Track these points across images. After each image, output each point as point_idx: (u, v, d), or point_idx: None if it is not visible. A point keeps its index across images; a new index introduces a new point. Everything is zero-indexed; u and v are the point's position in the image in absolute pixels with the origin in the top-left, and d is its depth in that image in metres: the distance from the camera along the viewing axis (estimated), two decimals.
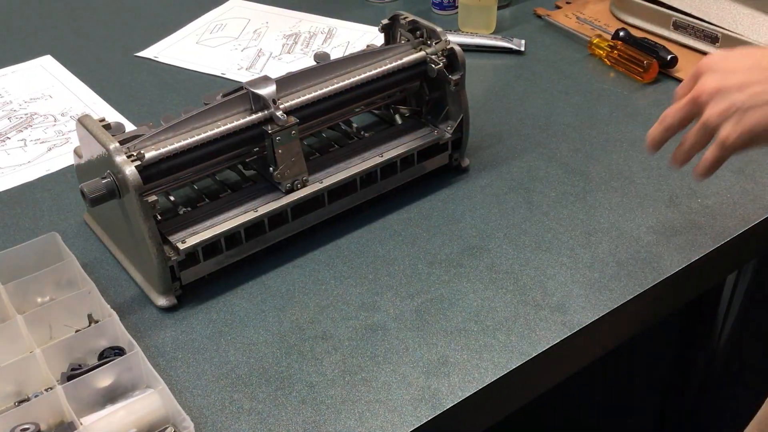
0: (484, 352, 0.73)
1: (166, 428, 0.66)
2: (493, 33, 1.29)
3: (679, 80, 1.10)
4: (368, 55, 0.91)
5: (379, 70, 0.90)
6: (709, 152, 0.68)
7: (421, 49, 0.92)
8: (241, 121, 0.81)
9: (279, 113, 0.81)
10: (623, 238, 0.86)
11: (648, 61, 1.13)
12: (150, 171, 0.76)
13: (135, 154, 0.75)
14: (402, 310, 0.78)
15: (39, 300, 0.79)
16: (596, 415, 0.74)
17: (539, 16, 1.34)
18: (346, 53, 1.21)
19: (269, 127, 0.81)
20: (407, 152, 0.91)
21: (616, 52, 1.18)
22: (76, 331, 0.75)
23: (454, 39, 0.97)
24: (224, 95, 0.83)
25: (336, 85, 0.87)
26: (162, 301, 0.79)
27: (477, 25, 1.29)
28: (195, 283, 0.81)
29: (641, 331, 0.85)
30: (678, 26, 1.22)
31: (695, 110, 0.68)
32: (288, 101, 0.84)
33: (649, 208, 0.90)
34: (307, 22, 1.38)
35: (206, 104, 0.81)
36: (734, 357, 1.11)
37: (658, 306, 0.84)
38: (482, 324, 0.76)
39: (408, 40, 0.94)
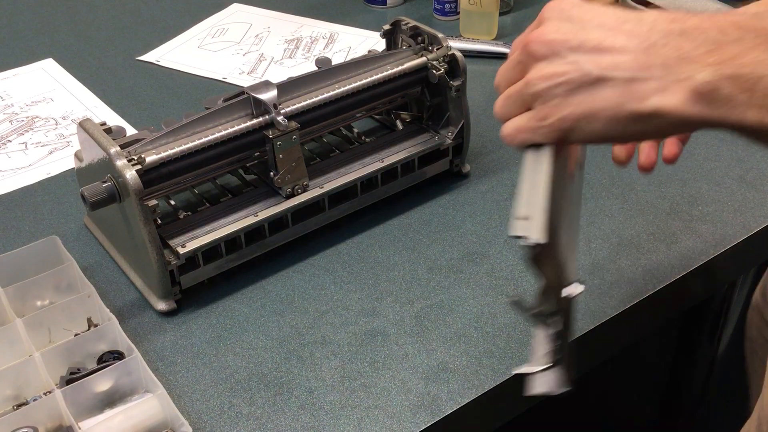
0: (483, 358, 0.73)
1: None
2: (495, 39, 1.29)
3: None
4: (369, 60, 0.91)
5: (380, 75, 0.90)
6: (518, 120, 0.50)
7: (422, 55, 0.92)
8: (242, 125, 0.81)
9: (280, 118, 0.81)
10: (623, 245, 0.86)
11: None
12: (150, 175, 0.76)
13: (136, 158, 0.75)
14: (402, 315, 0.78)
15: (38, 303, 0.79)
16: (595, 423, 0.74)
17: None
18: (348, 58, 1.21)
19: (270, 132, 0.81)
20: (408, 158, 0.91)
21: None
22: (76, 335, 0.75)
23: (456, 45, 0.97)
24: (225, 100, 0.83)
25: (337, 91, 0.87)
26: (161, 306, 0.79)
27: (478, 31, 1.30)
28: (195, 287, 0.81)
29: (641, 338, 0.84)
30: None
31: (525, 65, 0.49)
32: (289, 106, 0.84)
33: (649, 215, 0.90)
34: (309, 27, 1.38)
35: (207, 108, 0.82)
36: (733, 364, 1.11)
37: (657, 313, 0.83)
38: (482, 330, 0.76)
39: (409, 46, 0.94)
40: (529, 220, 0.51)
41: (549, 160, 0.51)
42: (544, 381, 0.54)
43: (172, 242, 0.79)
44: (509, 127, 0.51)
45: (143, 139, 0.78)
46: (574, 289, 0.54)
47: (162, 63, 1.28)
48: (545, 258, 0.52)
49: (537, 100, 0.48)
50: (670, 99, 0.43)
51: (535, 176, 0.51)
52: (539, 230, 0.49)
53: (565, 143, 0.50)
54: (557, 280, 0.54)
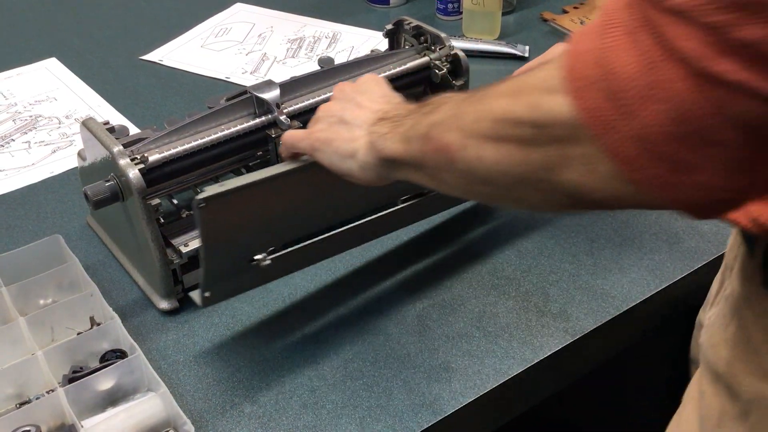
0: (485, 358, 0.73)
1: (167, 431, 0.66)
2: (498, 39, 1.29)
3: None
4: (372, 59, 0.91)
5: (383, 74, 0.90)
6: (298, 132, 0.70)
7: (425, 55, 0.92)
8: (245, 125, 0.81)
9: (283, 117, 0.81)
10: (626, 245, 0.85)
11: None
12: (153, 174, 0.76)
13: (138, 157, 0.75)
14: (404, 315, 0.78)
15: (41, 302, 0.79)
16: (597, 422, 0.74)
17: (545, 20, 1.34)
18: (351, 58, 1.21)
19: (273, 131, 0.81)
20: None
21: None
22: (78, 334, 0.75)
23: (458, 44, 0.97)
24: (228, 99, 0.83)
25: None
26: (164, 305, 0.79)
27: (481, 31, 1.29)
28: (197, 286, 0.81)
29: (643, 338, 0.84)
30: None
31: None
32: (292, 105, 0.84)
33: (652, 215, 0.90)
34: (312, 27, 1.38)
35: (210, 108, 0.82)
36: None
37: (661, 313, 0.83)
38: (484, 330, 0.76)
39: (412, 45, 0.94)
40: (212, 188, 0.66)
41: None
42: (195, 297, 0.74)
43: (175, 241, 0.79)
44: (288, 134, 0.70)
45: (146, 138, 0.78)
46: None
47: (165, 62, 1.28)
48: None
49: (314, 123, 0.68)
50: (361, 144, 0.62)
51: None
52: (205, 195, 0.65)
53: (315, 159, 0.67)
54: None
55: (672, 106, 0.37)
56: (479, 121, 0.49)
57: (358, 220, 0.80)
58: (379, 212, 0.81)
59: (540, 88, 0.44)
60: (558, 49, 0.72)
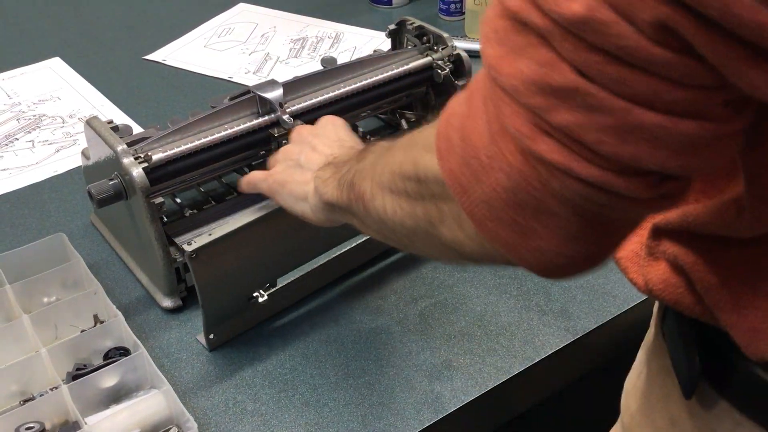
0: (487, 356, 0.73)
1: (170, 429, 0.66)
2: None
3: None
4: (375, 60, 0.92)
5: (385, 75, 0.90)
6: (258, 172, 0.72)
7: (427, 55, 0.93)
8: (248, 124, 0.81)
9: (286, 117, 0.81)
10: None
11: None
12: (157, 173, 0.76)
13: (142, 156, 0.75)
14: (406, 313, 0.78)
15: (45, 300, 0.79)
16: (599, 422, 0.74)
17: None
18: (353, 58, 1.22)
19: (276, 131, 0.82)
20: None
21: None
22: (82, 331, 0.75)
23: (461, 45, 0.97)
24: (231, 98, 0.84)
25: (342, 90, 0.87)
26: (167, 303, 0.80)
27: None
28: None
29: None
30: None
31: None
32: (295, 105, 0.84)
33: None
34: (315, 27, 1.39)
35: (213, 107, 0.82)
36: None
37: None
38: (486, 329, 0.76)
39: (415, 46, 0.95)
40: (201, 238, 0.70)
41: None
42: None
43: (178, 240, 0.79)
44: (250, 175, 0.73)
45: (149, 137, 0.78)
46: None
47: (168, 62, 1.28)
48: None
49: (274, 165, 0.70)
50: (311, 188, 0.64)
51: None
52: (195, 246, 0.69)
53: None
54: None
55: (506, 176, 0.39)
56: (383, 173, 0.52)
57: (350, 245, 0.82)
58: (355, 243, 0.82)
59: (423, 144, 0.47)
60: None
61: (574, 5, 0.33)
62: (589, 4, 0.32)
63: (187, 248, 0.68)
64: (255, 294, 0.76)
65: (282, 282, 0.78)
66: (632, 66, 0.33)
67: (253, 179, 0.72)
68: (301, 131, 0.71)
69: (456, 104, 0.44)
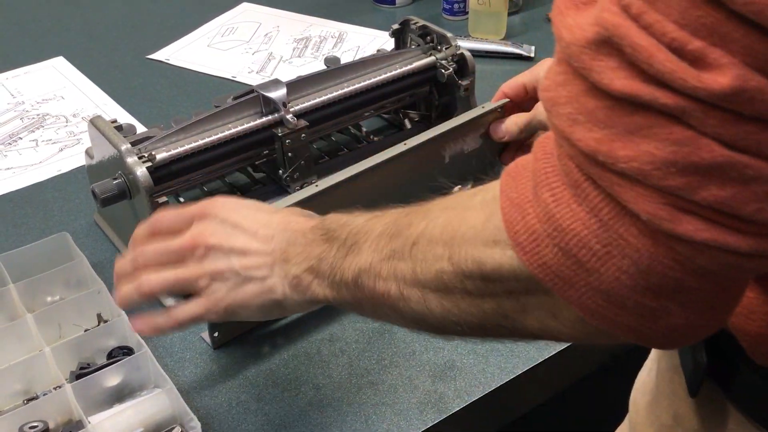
0: (490, 356, 0.73)
1: (174, 428, 0.66)
2: (503, 39, 1.29)
3: None
4: (378, 59, 0.92)
5: (388, 74, 0.90)
6: (193, 306, 0.60)
7: (431, 54, 0.93)
8: (251, 123, 0.81)
9: (289, 116, 0.81)
10: None
11: None
12: (160, 172, 0.77)
13: (146, 155, 0.76)
14: None
15: (49, 299, 0.79)
16: (603, 422, 0.74)
17: (551, 20, 1.34)
18: (357, 57, 1.22)
19: (279, 130, 0.82)
20: None
21: None
22: (86, 331, 0.75)
23: (464, 44, 0.97)
24: (235, 98, 0.84)
25: (346, 89, 0.87)
26: (170, 302, 0.79)
27: (487, 31, 1.30)
28: None
29: None
30: None
31: (185, 257, 0.60)
32: (298, 104, 0.84)
33: None
34: (318, 27, 1.39)
35: (217, 107, 0.82)
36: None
37: None
38: None
39: (418, 45, 0.95)
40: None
41: None
42: None
43: None
44: (182, 313, 0.61)
45: (153, 136, 0.78)
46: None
47: (172, 61, 1.28)
48: None
49: (203, 291, 0.59)
50: (282, 290, 0.56)
51: None
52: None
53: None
54: None
55: (632, 262, 0.36)
56: (417, 273, 0.47)
57: None
58: None
59: (478, 239, 0.43)
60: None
61: (720, 78, 0.31)
62: (739, 74, 0.31)
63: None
64: None
65: None
66: None
67: (189, 314, 0.61)
68: (207, 241, 0.59)
69: (517, 190, 0.40)
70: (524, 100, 0.86)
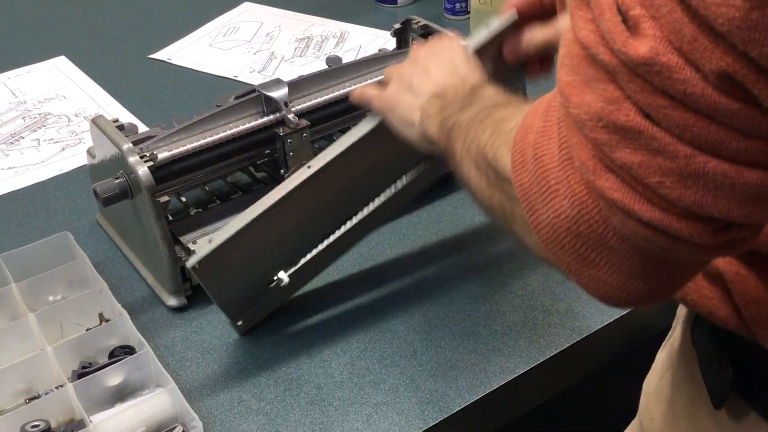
0: (492, 356, 0.73)
1: (175, 427, 0.66)
2: None
3: None
4: (380, 58, 0.92)
5: None
6: (372, 89, 0.70)
7: None
8: (253, 123, 0.81)
9: (291, 116, 0.81)
10: None
11: None
12: (162, 172, 0.77)
13: (148, 154, 0.76)
14: (410, 312, 0.78)
15: (51, 298, 0.80)
16: (605, 422, 0.74)
17: None
18: (358, 57, 1.22)
19: (281, 130, 0.82)
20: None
21: None
22: (87, 330, 0.75)
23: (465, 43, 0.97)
24: (236, 97, 0.84)
25: (347, 89, 0.87)
26: (172, 301, 0.80)
27: None
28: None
29: (651, 336, 0.84)
30: None
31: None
32: (300, 104, 0.84)
33: None
34: (320, 26, 1.39)
35: (218, 106, 0.82)
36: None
37: (668, 311, 0.83)
38: (490, 328, 0.76)
39: None
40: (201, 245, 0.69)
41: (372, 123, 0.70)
42: None
43: (183, 238, 0.79)
44: (362, 89, 0.71)
45: (155, 136, 0.78)
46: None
47: (173, 61, 1.28)
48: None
49: (388, 82, 0.68)
50: (418, 114, 0.62)
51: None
52: (197, 259, 0.67)
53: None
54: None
55: (570, 204, 0.39)
56: (472, 144, 0.51)
57: (364, 207, 0.79)
58: (381, 198, 0.80)
59: (505, 138, 0.46)
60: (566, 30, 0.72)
61: (640, 47, 0.32)
62: (655, 47, 0.32)
63: (188, 263, 0.67)
64: (275, 278, 0.75)
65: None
66: (697, 112, 0.33)
67: (366, 95, 0.70)
68: (418, 52, 0.68)
69: (534, 116, 0.43)
70: (539, 13, 0.72)
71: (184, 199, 0.87)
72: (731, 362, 0.50)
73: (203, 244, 0.68)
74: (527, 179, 0.41)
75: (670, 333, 0.63)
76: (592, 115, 0.36)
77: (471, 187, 0.52)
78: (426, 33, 0.94)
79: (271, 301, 0.77)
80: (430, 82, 0.64)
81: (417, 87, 0.64)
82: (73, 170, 1.02)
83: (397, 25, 0.96)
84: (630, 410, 0.69)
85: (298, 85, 0.85)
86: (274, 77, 0.92)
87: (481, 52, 0.72)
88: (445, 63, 0.66)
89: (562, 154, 0.39)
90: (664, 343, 0.63)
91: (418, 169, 0.80)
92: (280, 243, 0.74)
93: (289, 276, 0.76)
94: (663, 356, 0.62)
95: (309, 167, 0.69)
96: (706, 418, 0.54)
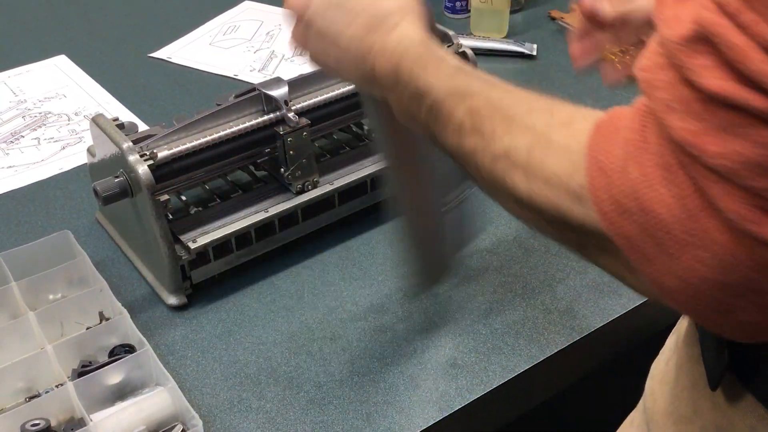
0: (492, 355, 0.73)
1: (175, 426, 0.66)
2: (505, 37, 1.29)
3: None
4: None
5: None
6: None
7: None
8: (253, 122, 0.81)
9: (291, 115, 0.81)
10: None
11: None
12: (162, 170, 0.77)
13: (148, 153, 0.76)
14: (411, 312, 0.78)
15: (51, 297, 0.80)
16: (605, 421, 0.74)
17: (553, 19, 1.34)
18: None
19: (281, 129, 0.82)
20: None
21: (628, 56, 1.18)
22: (87, 329, 0.75)
23: (466, 42, 0.97)
24: (236, 96, 0.84)
25: (347, 87, 0.87)
26: (172, 300, 0.80)
27: (489, 29, 1.30)
28: (205, 282, 0.81)
29: (652, 335, 0.84)
30: None
31: None
32: (300, 103, 0.84)
33: None
34: None
35: (218, 105, 0.82)
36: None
37: (668, 311, 0.83)
38: (491, 327, 0.76)
39: None
40: None
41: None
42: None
43: (183, 237, 0.79)
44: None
45: (155, 134, 0.78)
46: None
47: (174, 60, 1.28)
48: None
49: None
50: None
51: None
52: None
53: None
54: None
55: (712, 255, 0.36)
56: (498, 170, 0.46)
57: None
58: None
59: (562, 189, 0.42)
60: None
61: None
62: None
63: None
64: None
65: None
66: None
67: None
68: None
69: (609, 156, 0.39)
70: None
71: (184, 197, 0.87)
72: (728, 346, 0.50)
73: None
74: (634, 231, 0.38)
75: (680, 319, 0.63)
76: (745, 163, 0.33)
77: (471, 167, 0.47)
78: None
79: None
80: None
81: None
82: (73, 169, 1.02)
83: None
84: (630, 409, 0.69)
85: (298, 84, 0.85)
86: (274, 76, 0.92)
87: None
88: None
89: (688, 204, 0.36)
90: (674, 329, 0.64)
91: None
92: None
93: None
94: (671, 341, 0.63)
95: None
96: (704, 400, 0.54)
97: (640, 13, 0.67)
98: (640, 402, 0.66)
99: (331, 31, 0.56)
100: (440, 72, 0.51)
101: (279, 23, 1.40)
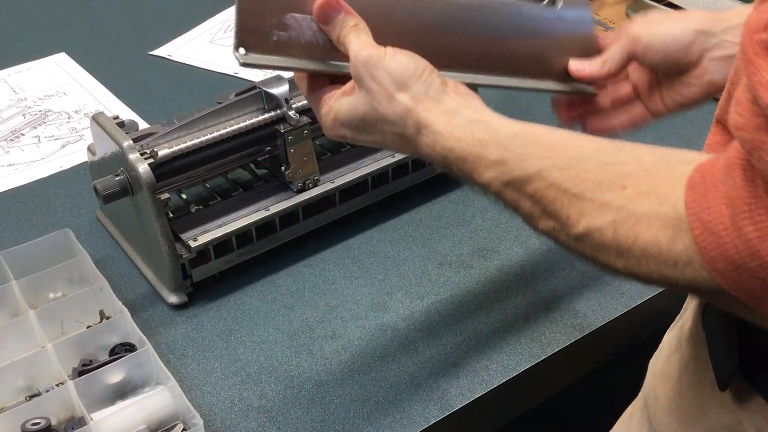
0: (493, 353, 0.73)
1: (176, 425, 0.66)
2: None
3: None
4: None
5: None
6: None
7: None
8: (254, 120, 0.81)
9: (291, 113, 0.81)
10: None
11: None
12: (163, 169, 0.76)
13: (148, 151, 0.75)
14: (411, 310, 0.78)
15: (51, 296, 0.80)
16: (606, 420, 0.74)
17: None
18: None
19: (281, 127, 0.81)
20: None
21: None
22: (88, 327, 0.75)
23: None
24: (237, 94, 0.84)
25: None
26: (173, 299, 0.80)
27: None
28: (206, 281, 0.81)
29: (654, 334, 0.84)
30: None
31: None
32: (300, 101, 0.84)
33: None
34: None
35: (219, 103, 0.82)
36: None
37: (671, 309, 0.83)
38: (492, 326, 0.76)
39: None
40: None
41: None
42: None
43: (184, 236, 0.79)
44: None
45: (156, 133, 0.78)
46: None
47: (174, 57, 1.28)
48: None
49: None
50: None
51: None
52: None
53: None
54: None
55: None
56: (585, 249, 0.46)
57: None
58: None
59: (668, 260, 0.41)
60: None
61: None
62: None
63: None
64: None
65: None
66: None
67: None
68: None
69: (712, 213, 0.39)
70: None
71: (184, 196, 0.87)
72: (738, 346, 0.50)
73: None
74: (756, 285, 0.38)
75: (680, 314, 0.63)
76: None
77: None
78: None
79: None
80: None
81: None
82: (73, 167, 1.02)
83: None
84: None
85: None
86: (275, 74, 0.91)
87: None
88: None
89: None
90: (672, 324, 0.64)
91: None
92: None
93: None
94: (671, 337, 0.62)
95: None
96: (711, 399, 0.54)
97: (661, 43, 0.63)
98: (639, 397, 0.66)
99: (369, 143, 0.57)
100: (485, 160, 0.50)
101: None
